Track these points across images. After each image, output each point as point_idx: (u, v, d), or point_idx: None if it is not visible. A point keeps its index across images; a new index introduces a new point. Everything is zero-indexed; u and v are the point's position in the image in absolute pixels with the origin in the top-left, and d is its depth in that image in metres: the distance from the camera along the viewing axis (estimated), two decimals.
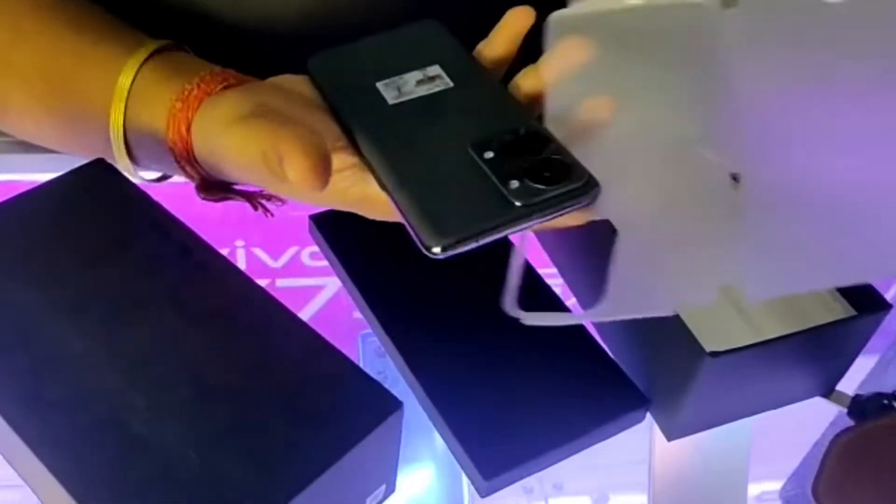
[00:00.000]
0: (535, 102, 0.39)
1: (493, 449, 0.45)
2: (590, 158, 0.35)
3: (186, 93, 0.40)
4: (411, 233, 0.33)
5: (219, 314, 0.40)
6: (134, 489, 0.33)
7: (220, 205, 0.43)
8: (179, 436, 0.35)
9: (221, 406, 0.36)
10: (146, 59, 0.42)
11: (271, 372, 0.38)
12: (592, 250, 0.51)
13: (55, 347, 0.38)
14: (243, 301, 0.41)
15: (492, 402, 0.47)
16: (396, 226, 0.36)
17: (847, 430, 0.50)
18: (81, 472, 0.34)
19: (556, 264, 0.59)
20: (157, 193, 0.46)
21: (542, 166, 0.34)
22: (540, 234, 0.59)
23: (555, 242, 0.59)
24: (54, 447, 0.34)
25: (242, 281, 0.42)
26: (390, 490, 0.44)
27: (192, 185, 0.43)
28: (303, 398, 0.37)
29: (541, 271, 0.56)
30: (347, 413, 0.37)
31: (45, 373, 0.37)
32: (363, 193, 0.38)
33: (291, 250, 0.66)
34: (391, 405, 0.38)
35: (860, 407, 0.52)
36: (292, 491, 0.34)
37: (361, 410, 0.37)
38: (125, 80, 0.41)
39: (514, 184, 0.34)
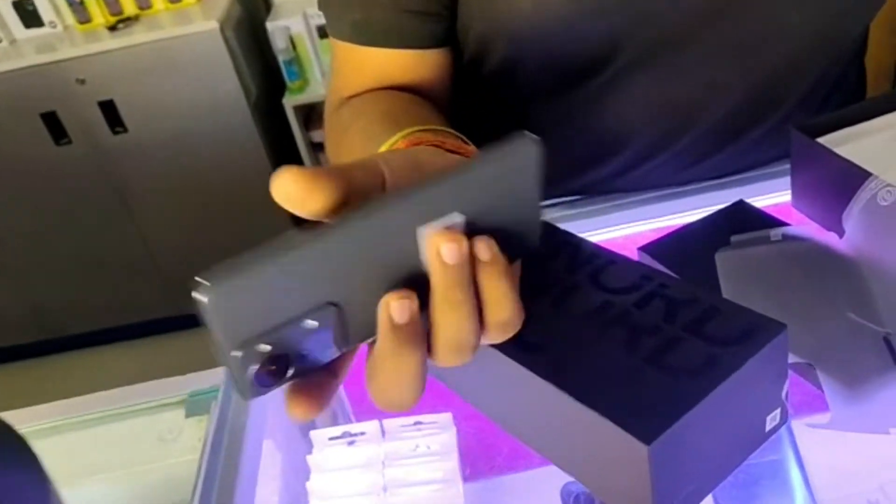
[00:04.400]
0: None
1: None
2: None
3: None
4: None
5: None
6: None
7: None
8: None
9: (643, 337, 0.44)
10: (399, 139, 0.50)
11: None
12: None
13: None
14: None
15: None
16: None
17: None
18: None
19: None
20: None
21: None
22: None
23: None
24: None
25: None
26: (785, 417, 0.46)
27: None
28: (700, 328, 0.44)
29: None
30: (735, 337, 0.43)
31: None
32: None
33: None
34: (775, 328, 0.42)
35: None
36: (695, 398, 0.40)
37: (747, 334, 0.43)
38: (382, 149, 0.50)
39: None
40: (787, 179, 0.66)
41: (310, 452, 0.66)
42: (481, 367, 0.45)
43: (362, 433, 0.68)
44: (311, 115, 2.36)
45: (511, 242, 0.39)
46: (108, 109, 2.13)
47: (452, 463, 0.66)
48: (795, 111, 0.72)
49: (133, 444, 0.72)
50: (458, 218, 0.37)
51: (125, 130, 2.16)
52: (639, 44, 0.64)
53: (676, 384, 0.42)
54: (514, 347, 0.45)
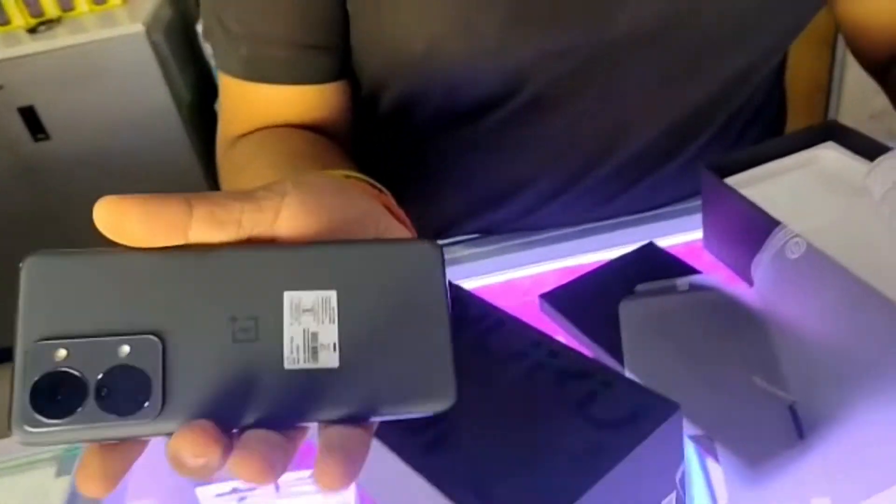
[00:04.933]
0: None
1: None
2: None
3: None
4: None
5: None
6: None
7: None
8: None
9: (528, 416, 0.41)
10: None
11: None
12: None
13: None
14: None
15: None
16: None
17: None
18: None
19: None
20: None
21: None
22: None
23: None
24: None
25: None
26: (681, 502, 0.43)
27: None
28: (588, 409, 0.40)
29: None
30: (625, 418, 0.39)
31: None
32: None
33: None
34: (667, 409, 0.39)
35: None
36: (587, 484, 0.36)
37: (638, 415, 0.39)
38: None
39: None
40: (699, 217, 0.62)
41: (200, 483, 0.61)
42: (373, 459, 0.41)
43: (253, 488, 0.63)
44: None
45: (401, 382, 0.32)
46: (29, 116, 2.03)
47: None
48: (712, 144, 0.68)
49: None
50: (333, 299, 0.32)
51: (47, 138, 2.07)
52: (544, 81, 0.60)
53: (560, 474, 0.38)
54: (388, 428, 0.40)
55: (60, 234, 2.22)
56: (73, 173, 2.12)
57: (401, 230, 0.36)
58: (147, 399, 0.29)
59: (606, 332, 0.54)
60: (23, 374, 0.29)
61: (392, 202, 0.43)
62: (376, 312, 0.32)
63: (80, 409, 0.29)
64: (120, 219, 0.29)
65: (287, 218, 0.31)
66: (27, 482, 0.66)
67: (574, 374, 0.43)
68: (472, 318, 0.47)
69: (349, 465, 0.29)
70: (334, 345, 0.31)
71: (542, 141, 0.64)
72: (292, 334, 0.31)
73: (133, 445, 0.30)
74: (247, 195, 0.31)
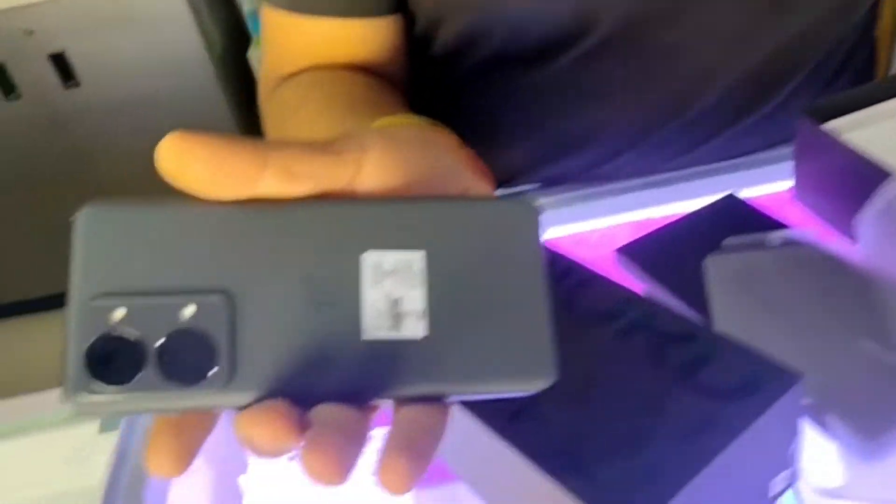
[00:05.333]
0: None
1: None
2: None
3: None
4: None
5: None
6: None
7: None
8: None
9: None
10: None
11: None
12: None
13: None
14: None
15: None
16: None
17: None
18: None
19: None
20: None
21: None
22: None
23: None
24: None
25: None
26: (794, 478, 0.40)
27: None
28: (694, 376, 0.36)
29: None
30: (739, 389, 0.35)
31: None
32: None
33: None
34: (788, 379, 0.35)
35: None
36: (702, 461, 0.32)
37: (754, 386, 0.35)
38: None
39: None
40: (788, 166, 0.57)
41: (244, 472, 0.58)
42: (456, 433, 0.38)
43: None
44: None
45: (495, 356, 0.28)
46: (60, 62, 2.00)
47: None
48: (799, 93, 0.63)
49: (30, 468, 0.62)
50: (419, 261, 0.28)
51: (78, 85, 2.04)
52: (619, 18, 0.54)
53: (669, 450, 0.34)
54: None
55: (92, 182, 2.21)
56: (104, 121, 2.10)
57: (485, 188, 0.33)
58: (213, 367, 0.26)
59: (691, 290, 0.50)
60: (77, 336, 0.25)
61: (474, 155, 0.38)
62: (466, 278, 0.28)
63: (139, 376, 0.26)
64: (184, 160, 0.26)
65: (368, 173, 0.28)
66: (69, 439, 0.64)
67: (675, 337, 0.39)
68: (556, 274, 0.43)
69: (420, 463, 0.25)
70: (419, 312, 0.27)
71: (615, 87, 0.59)
72: (373, 299, 0.27)
73: (205, 420, 0.27)
74: (325, 147, 0.28)
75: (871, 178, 0.47)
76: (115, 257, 0.27)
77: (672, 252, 0.53)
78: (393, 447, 0.25)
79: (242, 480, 0.57)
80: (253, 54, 2.13)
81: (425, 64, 0.63)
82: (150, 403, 0.26)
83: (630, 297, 0.41)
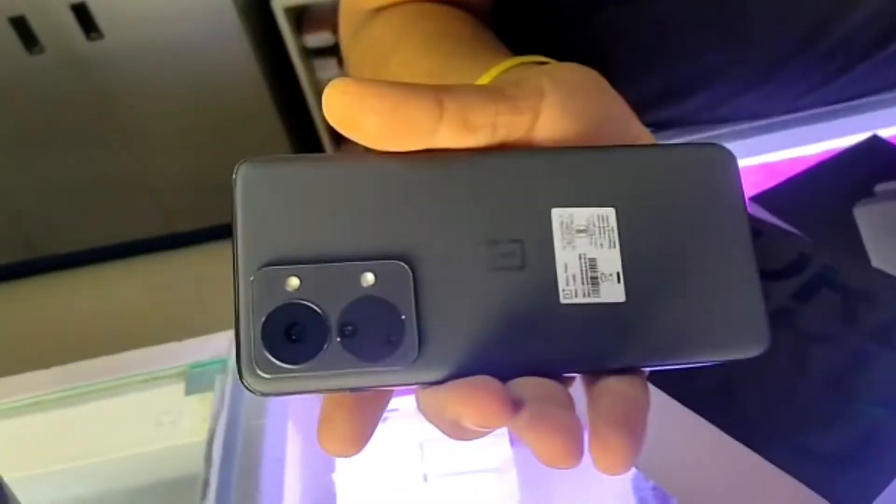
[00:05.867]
0: None
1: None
2: None
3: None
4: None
5: None
6: None
7: None
8: None
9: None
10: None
11: None
12: None
13: None
14: None
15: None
16: None
17: None
18: None
19: None
20: None
21: None
22: None
23: None
24: None
25: None
26: None
27: None
28: None
29: None
30: None
31: None
32: None
33: None
34: None
35: None
36: None
37: None
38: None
39: None
40: None
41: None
42: None
43: (395, 409, 0.57)
44: (304, 17, 2.17)
45: (703, 319, 0.25)
46: (82, 13, 1.95)
47: (506, 446, 0.55)
48: None
49: (122, 429, 0.60)
50: (611, 216, 0.25)
51: (101, 36, 1.99)
52: None
53: (877, 423, 0.31)
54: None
55: (119, 136, 2.17)
56: (129, 72, 2.05)
57: (651, 137, 0.30)
58: (401, 340, 0.23)
59: (840, 242, 0.47)
60: (250, 309, 0.23)
61: None
62: (664, 234, 0.25)
63: (322, 352, 0.23)
64: (356, 111, 0.23)
65: (546, 122, 0.26)
66: (155, 400, 0.61)
67: (864, 292, 0.35)
68: None
69: (637, 439, 0.22)
70: (618, 274, 0.25)
71: (740, 18, 0.55)
72: (566, 261, 0.25)
73: (381, 396, 0.25)
74: (500, 94, 0.25)
75: None
76: (281, 220, 0.24)
77: (814, 201, 0.49)
78: (604, 424, 0.22)
79: None
80: (277, 1, 2.07)
81: (521, 2, 0.59)
82: (334, 382, 0.23)
83: (808, 249, 0.38)
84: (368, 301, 0.23)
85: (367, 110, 0.23)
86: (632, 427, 0.22)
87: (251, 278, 0.23)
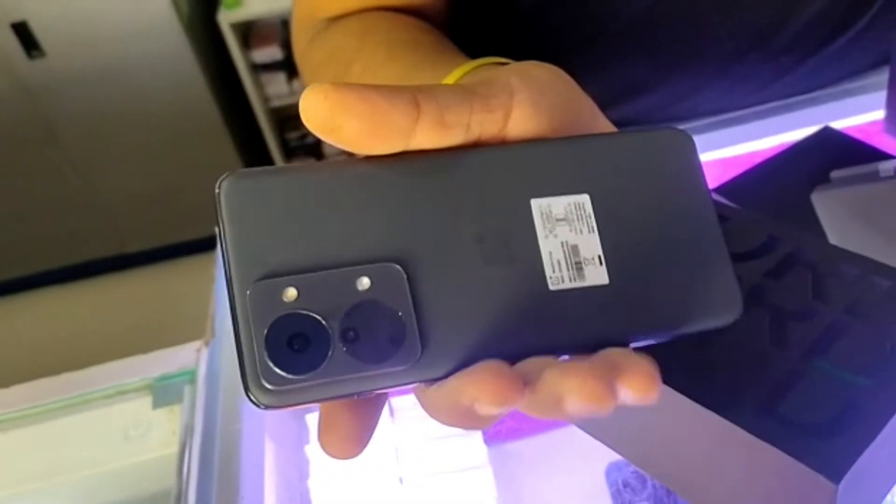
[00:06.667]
0: None
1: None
2: None
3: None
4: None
5: None
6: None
7: None
8: None
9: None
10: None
11: None
12: None
13: None
14: None
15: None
16: None
17: None
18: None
19: None
20: None
21: None
22: None
23: None
24: None
25: None
26: None
27: None
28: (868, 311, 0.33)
29: None
30: None
31: None
32: None
33: None
34: None
35: None
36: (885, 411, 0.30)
37: None
38: None
39: None
40: (873, 97, 0.55)
41: (308, 442, 0.55)
42: None
43: None
44: (250, 32, 2.16)
45: (681, 293, 0.26)
46: (22, 31, 1.91)
47: (478, 442, 0.56)
48: (883, 13, 0.61)
49: (88, 445, 0.59)
50: (586, 203, 0.26)
51: (43, 54, 1.95)
52: None
53: (853, 391, 0.32)
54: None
55: (63, 155, 2.13)
56: (72, 90, 2.02)
57: (611, 128, 0.31)
58: (402, 340, 0.23)
59: (802, 228, 0.48)
60: (251, 323, 0.22)
61: None
62: (637, 215, 0.27)
63: (327, 359, 0.23)
64: (338, 115, 0.23)
65: (518, 119, 0.26)
66: (122, 414, 0.60)
67: (830, 271, 0.36)
68: None
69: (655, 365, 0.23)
70: (599, 257, 0.26)
71: (695, 16, 0.56)
72: (550, 249, 0.25)
73: (379, 395, 0.25)
74: (473, 93, 0.26)
75: None
76: (270, 230, 0.24)
77: (773, 190, 0.51)
78: (623, 357, 0.22)
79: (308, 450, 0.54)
80: (223, 17, 2.06)
81: (477, 5, 0.60)
82: (342, 388, 0.23)
83: (776, 231, 0.39)
84: (367, 305, 0.23)
85: (347, 114, 0.23)
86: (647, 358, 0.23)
87: (248, 292, 0.23)
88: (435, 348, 0.24)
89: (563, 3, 0.58)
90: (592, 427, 0.40)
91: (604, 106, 0.62)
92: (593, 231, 0.26)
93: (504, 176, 0.26)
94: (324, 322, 0.23)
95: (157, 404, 0.60)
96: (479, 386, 0.22)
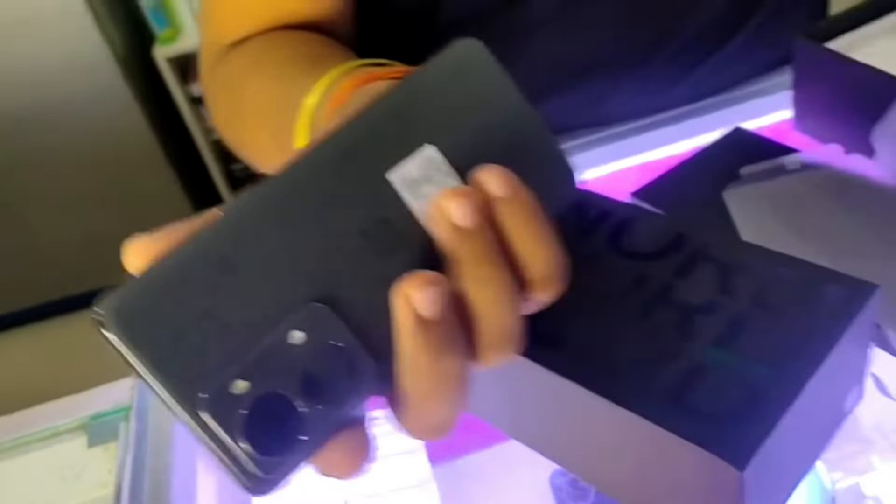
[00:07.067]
0: None
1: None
2: None
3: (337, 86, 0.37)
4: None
5: None
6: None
7: None
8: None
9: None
10: (338, 78, 0.38)
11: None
12: None
13: None
14: None
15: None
16: None
17: None
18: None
19: None
20: None
21: None
22: None
23: None
24: None
25: None
26: (862, 391, 0.38)
27: None
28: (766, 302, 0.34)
29: None
30: (819, 308, 0.34)
31: None
32: None
33: None
34: (865, 290, 0.33)
35: None
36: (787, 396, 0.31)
37: (833, 302, 0.34)
38: (311, 100, 0.38)
39: None
40: (781, 97, 0.57)
41: None
42: (500, 378, 0.36)
43: None
44: (188, 66, 2.15)
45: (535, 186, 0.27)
46: None
47: (422, 460, 0.56)
48: (776, 15, 0.63)
49: (24, 490, 0.57)
50: (433, 153, 0.27)
51: None
52: None
53: (757, 380, 0.32)
54: (542, 349, 0.35)
55: (3, 201, 2.08)
56: (8, 133, 1.98)
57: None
58: (358, 368, 0.24)
59: (714, 226, 0.49)
60: (222, 436, 0.22)
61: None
62: (474, 140, 0.28)
63: (305, 422, 0.23)
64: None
65: None
66: (57, 456, 0.59)
67: (737, 264, 0.37)
68: (594, 215, 0.41)
69: None
70: None
71: (593, 27, 0.58)
72: (425, 211, 0.26)
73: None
74: None
75: (884, 91, 0.47)
76: (177, 338, 0.22)
77: (689, 190, 0.52)
78: None
79: None
80: (159, 52, 2.05)
81: (392, 23, 0.61)
82: (328, 436, 0.23)
83: (681, 231, 0.40)
84: (312, 353, 0.23)
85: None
86: None
87: (201, 412, 0.22)
88: (385, 351, 0.24)
89: (477, 14, 0.59)
90: (522, 436, 0.40)
91: None
92: (451, 175, 0.27)
93: (349, 167, 0.26)
94: (284, 393, 0.23)
95: (92, 443, 0.59)
96: (447, 202, 0.25)
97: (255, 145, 0.51)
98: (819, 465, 0.42)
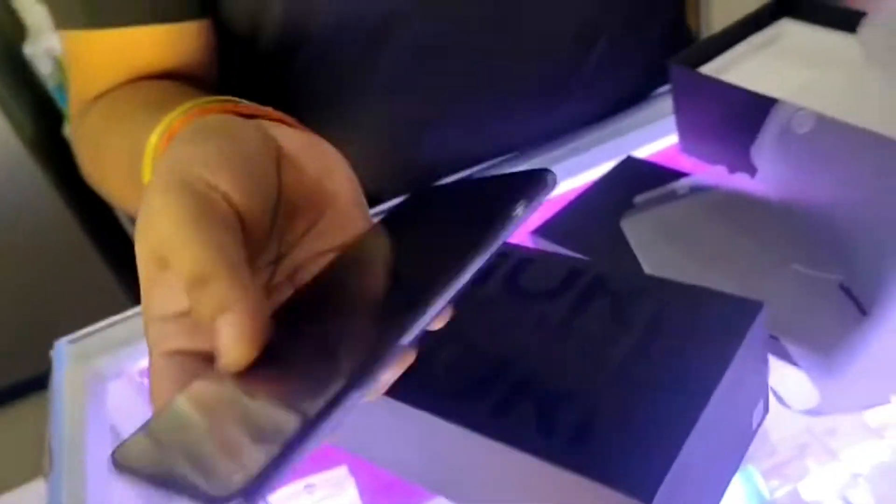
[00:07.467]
0: None
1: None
2: None
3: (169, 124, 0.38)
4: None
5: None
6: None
7: None
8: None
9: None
10: (176, 116, 0.39)
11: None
12: None
13: None
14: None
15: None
16: None
17: None
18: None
19: None
20: None
21: None
22: None
23: None
24: None
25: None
26: (767, 406, 0.40)
27: None
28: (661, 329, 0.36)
29: None
30: (710, 330, 0.35)
31: None
32: None
33: None
34: (752, 308, 0.35)
35: None
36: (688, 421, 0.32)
37: (724, 323, 0.35)
38: (153, 139, 0.39)
39: None
40: (665, 123, 0.59)
41: None
42: (401, 424, 0.37)
43: None
44: None
45: None
46: None
47: (343, 467, 0.55)
48: (620, 40, 0.65)
49: None
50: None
51: None
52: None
53: (657, 407, 0.33)
54: (439, 395, 0.35)
55: None
56: None
57: (293, 131, 0.34)
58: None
59: (615, 256, 0.50)
60: None
61: (268, 109, 0.38)
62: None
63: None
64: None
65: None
66: None
67: (630, 295, 0.38)
68: (493, 261, 0.42)
69: None
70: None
71: (442, 78, 0.60)
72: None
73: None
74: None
75: (760, 109, 0.49)
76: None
77: (588, 222, 0.53)
78: None
79: None
80: (68, 131, 2.01)
81: (254, 65, 0.62)
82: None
83: (576, 266, 0.41)
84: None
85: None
86: None
87: None
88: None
89: (321, 57, 0.61)
90: (438, 487, 0.40)
91: (395, 145, 0.65)
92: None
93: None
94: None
95: None
96: None
97: (116, 188, 0.53)
98: (756, 474, 0.42)
